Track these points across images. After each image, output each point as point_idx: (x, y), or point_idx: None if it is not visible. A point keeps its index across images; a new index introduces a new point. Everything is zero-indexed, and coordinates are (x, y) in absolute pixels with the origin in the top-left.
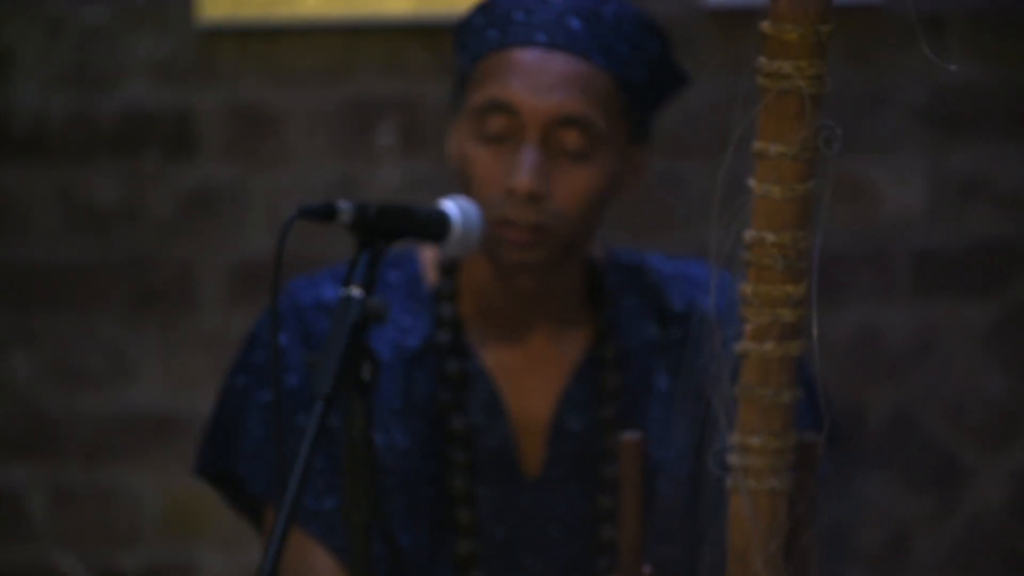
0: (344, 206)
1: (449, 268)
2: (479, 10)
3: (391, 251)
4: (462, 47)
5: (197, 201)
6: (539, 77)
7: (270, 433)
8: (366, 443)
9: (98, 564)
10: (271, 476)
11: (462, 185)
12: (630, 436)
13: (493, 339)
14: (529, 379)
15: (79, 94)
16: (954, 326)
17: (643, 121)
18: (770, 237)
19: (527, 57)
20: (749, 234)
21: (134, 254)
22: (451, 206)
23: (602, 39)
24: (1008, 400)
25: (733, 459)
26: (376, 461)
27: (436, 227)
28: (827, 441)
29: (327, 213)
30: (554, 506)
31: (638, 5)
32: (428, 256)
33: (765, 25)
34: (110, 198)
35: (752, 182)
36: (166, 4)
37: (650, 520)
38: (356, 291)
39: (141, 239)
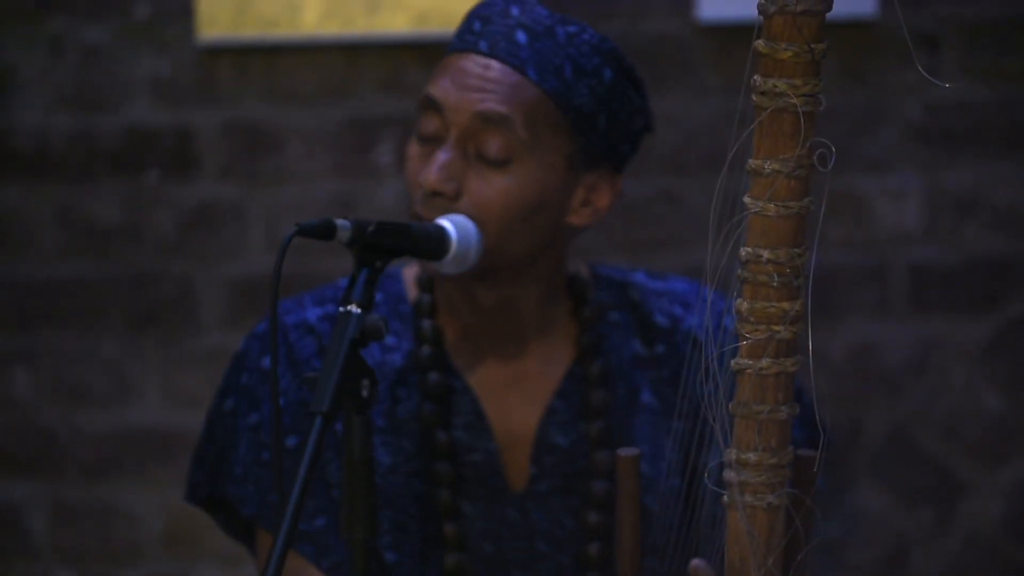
0: (343, 224)
1: (425, 285)
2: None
3: None
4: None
5: (197, 219)
6: (467, 79)
7: (259, 456)
8: (365, 460)
9: None
10: (262, 498)
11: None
12: (626, 452)
13: (476, 356)
14: (513, 395)
15: (80, 113)
16: (950, 342)
17: (598, 147)
18: (766, 254)
19: (464, 62)
20: (745, 251)
21: (134, 272)
22: (449, 224)
23: (543, 56)
24: (1004, 416)
25: (730, 475)
26: (375, 478)
27: (434, 245)
28: (823, 457)
29: (326, 231)
30: (541, 521)
31: (636, 22)
32: (410, 274)
33: (759, 44)
34: (111, 216)
35: (747, 199)
36: (166, 24)
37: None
38: (354, 308)
39: (141, 257)
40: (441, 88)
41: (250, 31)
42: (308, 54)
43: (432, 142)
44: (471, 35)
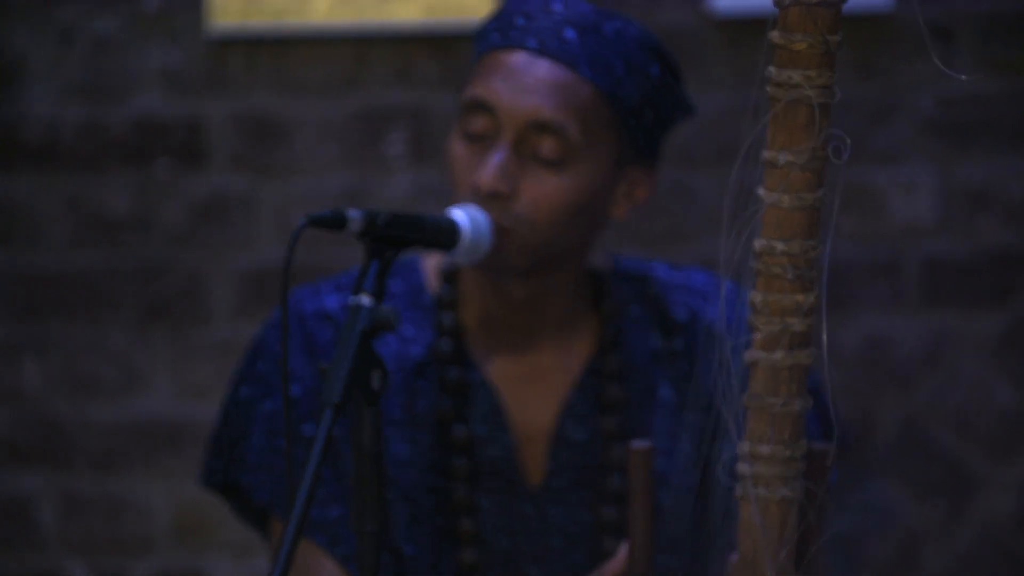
0: (354, 215)
1: (450, 277)
2: (494, 15)
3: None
4: (474, 49)
5: (207, 210)
6: (519, 79)
7: (274, 443)
8: (375, 452)
9: (108, 573)
10: (276, 486)
11: (449, 183)
12: (639, 445)
13: (495, 349)
14: (531, 389)
15: (90, 104)
16: (963, 336)
17: (642, 142)
18: (780, 246)
19: (513, 60)
20: (759, 243)
21: (145, 263)
22: (461, 215)
23: (595, 52)
24: (1017, 410)
25: (743, 468)
26: (384, 470)
27: (445, 236)
28: (836, 449)
29: (337, 222)
30: (556, 516)
31: (649, 14)
32: (431, 265)
33: (774, 35)
34: (121, 207)
35: (762, 191)
36: (177, 14)
37: (655, 530)
38: (366, 299)
39: (152, 248)
40: (492, 90)
41: (260, 22)
42: (318, 45)
43: (480, 140)
44: (515, 31)
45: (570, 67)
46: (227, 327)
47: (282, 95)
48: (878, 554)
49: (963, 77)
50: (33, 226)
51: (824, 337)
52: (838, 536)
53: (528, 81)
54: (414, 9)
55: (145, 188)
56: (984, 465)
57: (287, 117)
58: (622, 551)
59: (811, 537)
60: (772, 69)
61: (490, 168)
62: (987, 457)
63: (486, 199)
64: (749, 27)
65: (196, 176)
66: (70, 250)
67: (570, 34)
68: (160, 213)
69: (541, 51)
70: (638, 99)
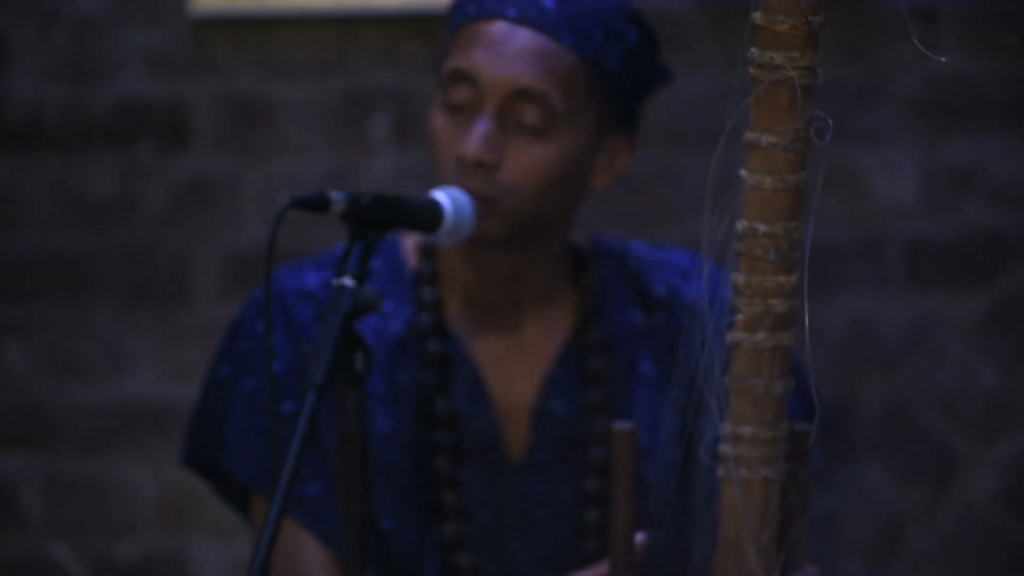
0: (337, 197)
1: (429, 253)
2: None
3: None
4: (449, 22)
5: (191, 192)
6: (501, 49)
7: (255, 422)
8: (359, 434)
9: (92, 555)
10: (257, 464)
11: (431, 156)
12: (622, 425)
13: (476, 324)
14: (513, 364)
15: (74, 85)
16: (947, 317)
17: (622, 109)
18: (762, 228)
19: (493, 30)
20: (741, 225)
21: (129, 245)
22: (443, 196)
23: (574, 20)
24: (1000, 391)
25: (725, 449)
26: (368, 451)
27: (428, 217)
28: (818, 430)
29: (320, 204)
30: (539, 490)
31: None
32: (410, 242)
33: (757, 16)
34: (105, 189)
35: (744, 173)
36: None
37: (639, 507)
38: (348, 281)
39: (136, 230)
40: (474, 60)
41: (244, 3)
42: (303, 26)
43: (462, 111)
44: (494, 1)
45: (550, 35)
46: (211, 309)
47: (266, 76)
48: (861, 535)
49: (944, 59)
50: (16, 208)
51: (807, 318)
52: (821, 517)
53: (509, 50)
54: None
55: (129, 170)
56: (968, 446)
57: (271, 99)
58: (604, 566)
59: (793, 518)
60: (754, 50)
61: (475, 138)
62: (971, 438)
63: (471, 169)
64: (734, 8)
65: (180, 158)
66: (54, 232)
67: (549, 3)
68: (144, 195)
69: (521, 20)
70: (618, 66)
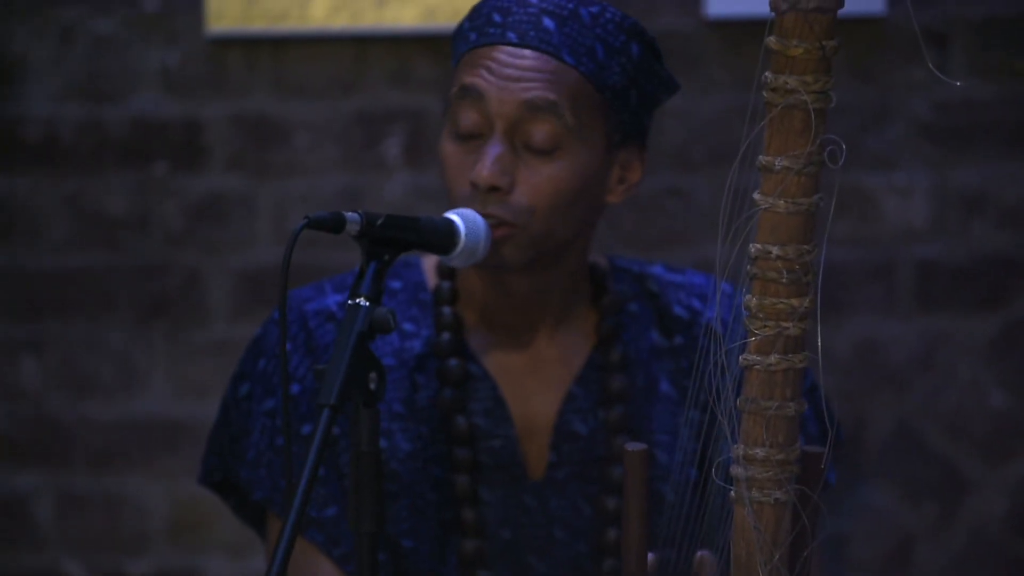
0: (352, 217)
1: (448, 272)
2: (467, 17)
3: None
4: (453, 53)
5: (205, 211)
6: (506, 70)
7: (273, 441)
8: (373, 453)
9: (105, 571)
10: (274, 483)
11: (444, 183)
12: (634, 445)
13: (496, 343)
14: (533, 382)
15: (89, 104)
16: (956, 340)
17: (630, 123)
18: (775, 250)
19: (497, 54)
20: (754, 247)
21: (143, 263)
22: (457, 217)
23: (575, 39)
24: (1009, 413)
25: (737, 471)
26: (383, 470)
27: (443, 238)
28: (830, 452)
29: (335, 223)
30: (558, 507)
31: (642, 14)
32: (430, 262)
33: (771, 40)
34: (119, 207)
35: (757, 196)
36: (176, 15)
37: (655, 523)
38: (363, 301)
39: (150, 248)
40: (480, 79)
41: (259, 23)
42: (317, 47)
43: (472, 139)
44: (494, 27)
45: (552, 56)
46: (224, 327)
47: (280, 96)
48: (871, 556)
49: (957, 83)
50: (32, 225)
51: (819, 341)
52: (831, 538)
53: (513, 72)
54: (412, 12)
55: (144, 188)
56: (976, 468)
57: (285, 118)
58: None
59: (804, 540)
60: (768, 74)
61: (487, 162)
62: (979, 460)
63: (485, 194)
64: (743, 30)
65: (194, 176)
66: (69, 249)
67: (548, 23)
68: (158, 213)
69: (522, 43)
70: (622, 80)
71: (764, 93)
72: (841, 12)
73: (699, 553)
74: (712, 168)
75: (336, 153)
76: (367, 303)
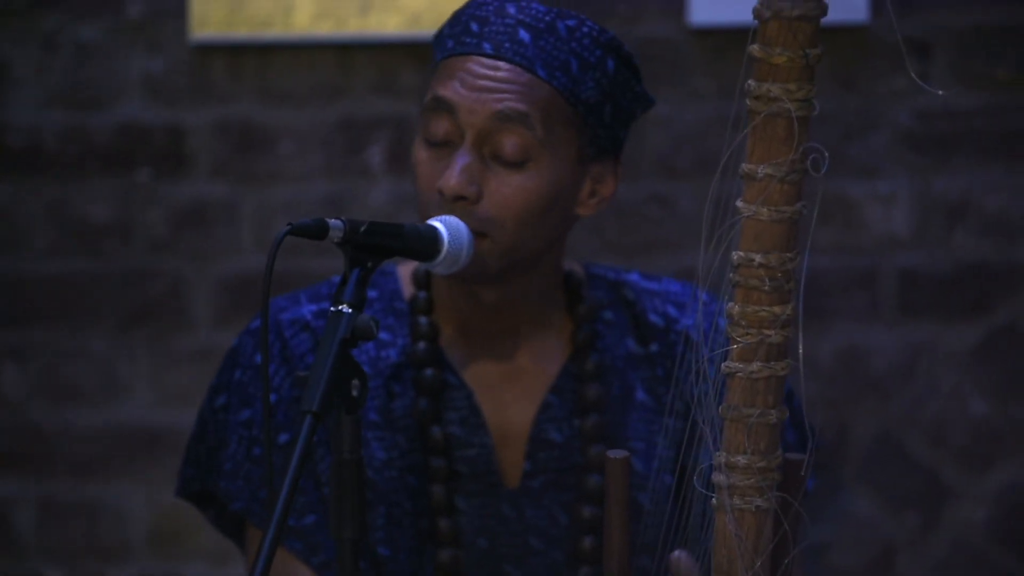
0: (335, 223)
1: (423, 282)
2: (447, 22)
3: None
4: (432, 56)
5: (189, 217)
6: (478, 81)
7: (250, 451)
8: (355, 460)
9: None
10: (252, 494)
11: (415, 190)
12: (616, 453)
13: (471, 352)
14: (508, 391)
15: (73, 111)
16: (938, 348)
17: (603, 137)
18: (758, 258)
19: (471, 64)
20: (737, 255)
21: (126, 270)
22: (441, 224)
23: (549, 52)
24: (990, 421)
25: (719, 478)
26: (364, 477)
27: (426, 245)
28: (812, 460)
29: (318, 230)
30: (534, 516)
31: (630, 25)
32: (406, 271)
33: (754, 48)
34: (102, 214)
35: (740, 204)
36: (159, 22)
37: (633, 532)
38: (346, 308)
39: (133, 255)
40: (452, 90)
41: (243, 30)
42: (301, 54)
43: (443, 146)
44: (471, 37)
45: (526, 69)
46: (208, 334)
47: (264, 103)
48: (852, 564)
49: (940, 92)
50: (15, 232)
51: (800, 349)
52: (812, 545)
53: (487, 83)
54: (396, 19)
55: (127, 195)
56: (958, 476)
57: (269, 126)
58: None
59: (786, 547)
60: (752, 82)
61: (455, 171)
62: (961, 468)
63: (451, 203)
64: (727, 38)
65: (178, 183)
66: (52, 256)
67: (524, 36)
68: (142, 220)
69: (497, 54)
70: (596, 96)
71: (747, 101)
72: (824, 20)
73: (675, 552)
74: (696, 176)
75: (320, 160)
76: (350, 310)
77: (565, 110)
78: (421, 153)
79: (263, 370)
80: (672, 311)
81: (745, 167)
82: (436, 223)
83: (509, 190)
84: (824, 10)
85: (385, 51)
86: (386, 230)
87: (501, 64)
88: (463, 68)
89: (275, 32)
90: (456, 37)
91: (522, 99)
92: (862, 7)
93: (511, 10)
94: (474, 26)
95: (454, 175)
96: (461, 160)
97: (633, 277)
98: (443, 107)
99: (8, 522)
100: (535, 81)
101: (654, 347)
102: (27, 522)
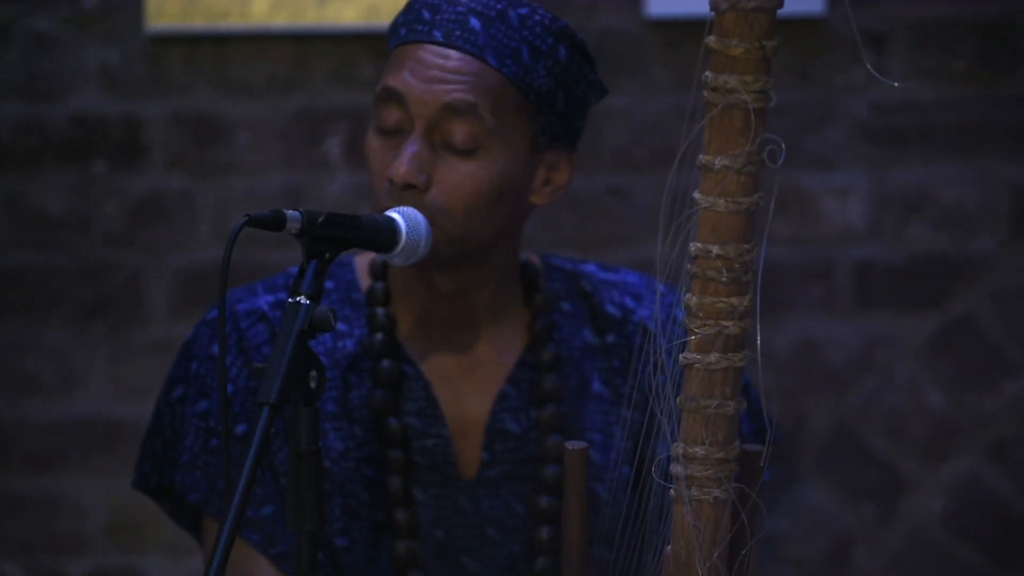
0: (292, 215)
1: (380, 272)
2: (403, 9)
3: None
4: (388, 45)
5: (145, 210)
6: (428, 70)
7: (207, 443)
8: (312, 452)
9: (43, 572)
10: (209, 486)
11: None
12: (574, 444)
13: (428, 343)
14: (466, 382)
15: (29, 102)
16: (894, 340)
17: (556, 126)
18: (715, 250)
19: (422, 52)
20: (694, 247)
21: (82, 262)
22: (398, 216)
23: (499, 40)
24: (947, 413)
25: (676, 469)
26: (322, 469)
27: (384, 236)
28: (769, 451)
29: (276, 222)
30: (492, 507)
31: (582, 14)
32: (363, 262)
33: (711, 40)
34: (59, 206)
35: (697, 195)
36: (115, 13)
37: (591, 523)
38: (303, 299)
39: (90, 247)
40: (402, 81)
41: (200, 21)
42: (258, 45)
43: (394, 135)
44: (422, 25)
45: (476, 57)
46: (164, 327)
47: (221, 95)
48: (808, 555)
49: (895, 84)
50: None
51: (758, 340)
52: (769, 537)
53: (435, 72)
54: (353, 10)
55: (83, 187)
56: (914, 468)
57: (226, 117)
58: None
59: (743, 538)
60: (708, 73)
61: (403, 160)
62: (917, 460)
63: (400, 191)
64: (684, 30)
65: (134, 175)
66: (7, 248)
67: (475, 24)
68: (98, 212)
69: (447, 43)
70: (548, 84)
71: (704, 92)
72: (781, 12)
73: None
74: (654, 168)
75: (278, 152)
76: (308, 301)
77: (516, 98)
78: (373, 142)
79: (220, 361)
80: (629, 302)
81: (702, 159)
82: (394, 214)
83: (459, 178)
84: (780, 2)
85: (343, 42)
86: (344, 221)
87: (451, 52)
88: (413, 57)
89: (232, 23)
90: (408, 25)
91: (471, 89)
92: None
93: None
94: (426, 14)
95: (403, 163)
96: (411, 148)
97: (591, 268)
98: (393, 97)
99: None
100: (485, 69)
101: (611, 338)
102: None
